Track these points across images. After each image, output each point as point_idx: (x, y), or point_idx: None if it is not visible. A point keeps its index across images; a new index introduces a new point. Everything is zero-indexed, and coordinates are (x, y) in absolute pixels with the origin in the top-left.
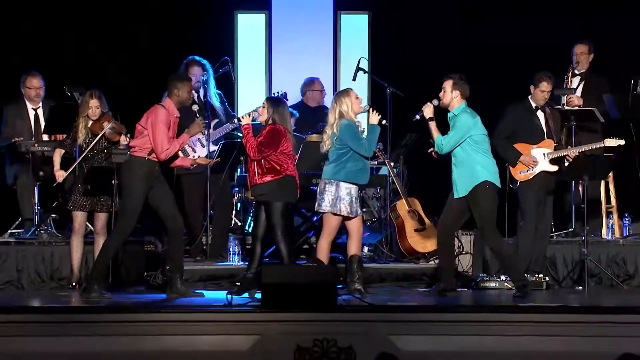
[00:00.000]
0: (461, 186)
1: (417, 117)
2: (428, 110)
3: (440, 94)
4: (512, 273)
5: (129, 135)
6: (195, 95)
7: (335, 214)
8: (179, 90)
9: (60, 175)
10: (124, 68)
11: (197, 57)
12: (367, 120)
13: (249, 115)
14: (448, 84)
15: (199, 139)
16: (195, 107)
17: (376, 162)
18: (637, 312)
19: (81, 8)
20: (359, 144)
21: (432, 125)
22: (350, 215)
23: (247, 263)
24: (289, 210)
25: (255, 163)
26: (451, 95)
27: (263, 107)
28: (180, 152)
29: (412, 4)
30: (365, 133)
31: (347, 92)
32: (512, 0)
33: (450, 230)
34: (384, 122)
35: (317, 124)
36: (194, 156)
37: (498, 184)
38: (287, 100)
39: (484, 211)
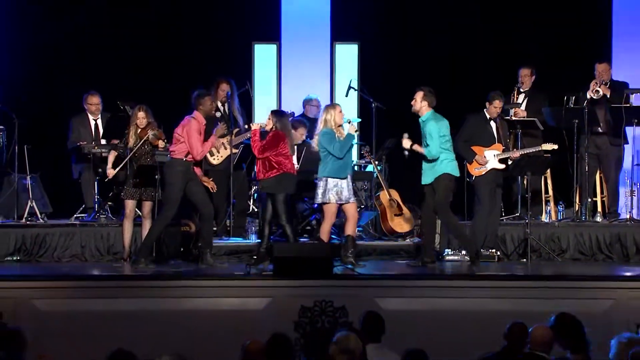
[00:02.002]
0: (427, 175)
1: (406, 153)
2: (406, 143)
3: (413, 102)
4: (467, 247)
5: (166, 140)
6: (222, 107)
7: (327, 203)
8: (203, 105)
9: (110, 173)
10: (164, 88)
11: (225, 77)
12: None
13: (258, 125)
14: (419, 95)
15: (222, 143)
16: (218, 114)
17: (364, 161)
18: (569, 279)
19: (127, 42)
20: (331, 148)
21: (416, 147)
22: (340, 202)
23: (260, 241)
24: (289, 199)
25: (260, 162)
26: (420, 104)
27: (269, 118)
28: (207, 154)
29: (390, 37)
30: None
31: (334, 105)
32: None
33: (432, 214)
34: (357, 133)
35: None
36: (218, 157)
37: (456, 173)
38: (295, 116)
39: (440, 197)
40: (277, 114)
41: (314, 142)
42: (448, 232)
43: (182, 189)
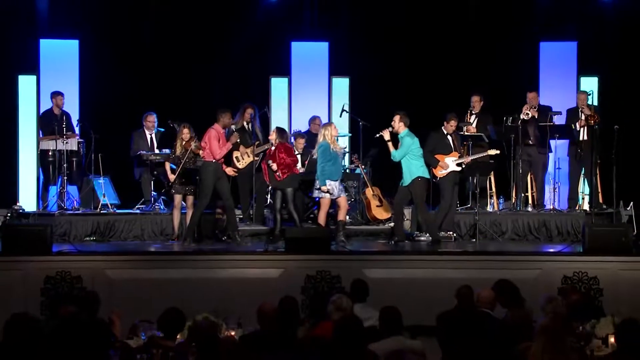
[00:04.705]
0: (405, 178)
1: (377, 135)
2: (386, 134)
3: (392, 123)
4: (431, 232)
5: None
6: (247, 125)
7: (324, 198)
8: (223, 118)
9: (171, 178)
10: (203, 110)
11: (250, 103)
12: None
13: (271, 144)
14: (397, 118)
15: (246, 152)
16: (232, 127)
17: (353, 166)
18: (508, 254)
19: (174, 74)
20: (319, 164)
21: (389, 144)
22: (332, 197)
23: (273, 226)
24: (295, 192)
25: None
26: (398, 125)
27: (273, 132)
28: (235, 160)
29: (372, 72)
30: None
31: (330, 124)
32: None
33: (402, 206)
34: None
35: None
36: (243, 162)
37: (427, 176)
38: (301, 133)
39: (417, 195)
40: (279, 130)
41: (314, 151)
42: (417, 219)
43: (213, 184)
